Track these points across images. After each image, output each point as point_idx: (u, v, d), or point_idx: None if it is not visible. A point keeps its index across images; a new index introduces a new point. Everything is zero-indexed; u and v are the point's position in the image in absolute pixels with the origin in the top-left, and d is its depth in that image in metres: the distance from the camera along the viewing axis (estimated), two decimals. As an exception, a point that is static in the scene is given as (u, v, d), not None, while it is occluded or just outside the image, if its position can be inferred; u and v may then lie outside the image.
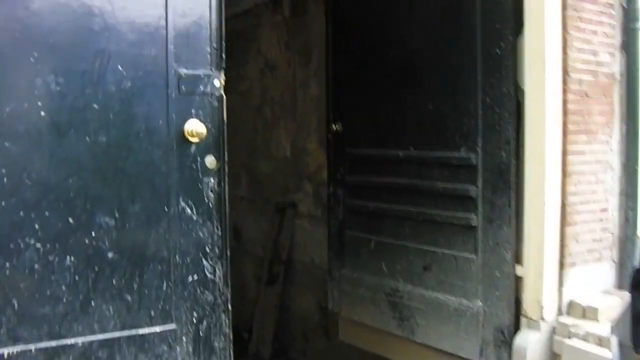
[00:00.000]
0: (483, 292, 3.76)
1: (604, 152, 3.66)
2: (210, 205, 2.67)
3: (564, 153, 3.50)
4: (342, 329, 4.87)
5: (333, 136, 4.70)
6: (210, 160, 2.67)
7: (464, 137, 3.81)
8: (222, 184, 2.70)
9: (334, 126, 4.67)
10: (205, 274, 2.70)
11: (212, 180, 2.67)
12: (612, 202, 3.72)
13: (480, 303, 3.77)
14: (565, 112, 3.49)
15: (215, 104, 2.67)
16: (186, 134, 2.59)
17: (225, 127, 2.71)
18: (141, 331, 2.55)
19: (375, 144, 4.44)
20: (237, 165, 6.76)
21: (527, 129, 3.53)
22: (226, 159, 2.71)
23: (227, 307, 2.76)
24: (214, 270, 2.72)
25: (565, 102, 3.49)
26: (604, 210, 3.69)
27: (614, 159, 3.70)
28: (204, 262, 2.69)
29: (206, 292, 2.70)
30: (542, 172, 3.46)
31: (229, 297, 2.78)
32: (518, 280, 3.63)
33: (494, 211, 3.67)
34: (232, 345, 2.77)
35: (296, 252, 5.85)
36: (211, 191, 2.67)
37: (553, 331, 3.51)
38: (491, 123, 3.65)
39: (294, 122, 5.97)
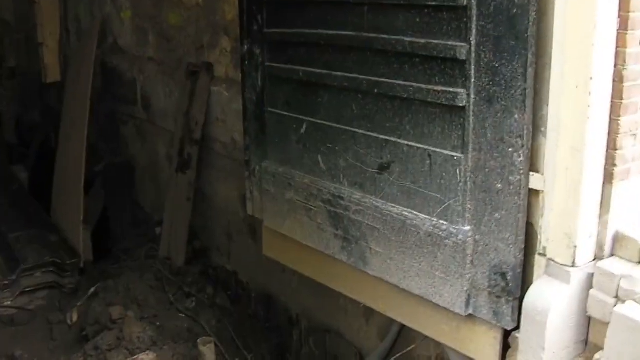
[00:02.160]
0: (474, 212, 2.25)
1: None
2: None
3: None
4: (266, 242, 3.36)
5: (245, -33, 2.97)
6: None
7: (448, -41, 2.16)
8: None
9: (247, -48, 2.94)
10: None
11: None
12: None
13: (469, 228, 2.27)
14: None
15: None
16: None
17: None
18: None
19: (306, -22, 2.75)
20: (142, 17, 4.98)
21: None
22: None
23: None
24: None
25: None
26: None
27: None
28: None
29: None
30: (590, 14, 1.86)
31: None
32: (533, 196, 2.13)
33: (497, 83, 2.09)
34: None
35: (213, 129, 4.24)
36: None
37: (590, 283, 2.04)
38: None
39: (206, -44, 4.18)
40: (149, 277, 4.15)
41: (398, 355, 2.96)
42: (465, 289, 2.31)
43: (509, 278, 2.18)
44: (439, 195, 2.35)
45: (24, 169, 6.29)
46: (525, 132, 2.04)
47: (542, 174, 2.07)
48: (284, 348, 3.71)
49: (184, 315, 3.85)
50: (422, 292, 2.47)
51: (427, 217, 2.41)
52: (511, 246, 2.15)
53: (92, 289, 4.18)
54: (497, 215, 2.17)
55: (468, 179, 2.24)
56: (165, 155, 4.85)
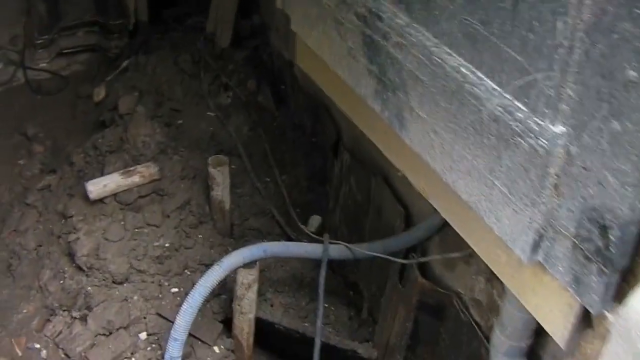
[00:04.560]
0: (577, 107, 1.16)
1: None
2: None
3: None
4: (299, 49, 2.37)
5: None
6: None
7: None
8: None
9: None
10: None
11: None
12: None
13: (563, 130, 1.20)
14: None
15: None
16: None
17: None
18: None
19: None
20: None
21: None
22: None
23: None
24: None
25: None
26: None
27: None
28: None
29: None
30: None
31: None
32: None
33: None
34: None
35: None
36: None
37: None
38: None
39: None
40: (185, 58, 3.27)
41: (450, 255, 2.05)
42: (536, 225, 1.30)
43: (611, 237, 1.15)
44: (521, 58, 1.25)
45: None
46: None
47: None
48: (324, 177, 2.86)
49: (213, 114, 3.02)
50: (471, 200, 1.49)
51: (496, 87, 1.33)
52: (628, 187, 1.09)
53: (125, 63, 3.40)
54: (615, 124, 1.08)
55: (577, 43, 1.11)
56: None
